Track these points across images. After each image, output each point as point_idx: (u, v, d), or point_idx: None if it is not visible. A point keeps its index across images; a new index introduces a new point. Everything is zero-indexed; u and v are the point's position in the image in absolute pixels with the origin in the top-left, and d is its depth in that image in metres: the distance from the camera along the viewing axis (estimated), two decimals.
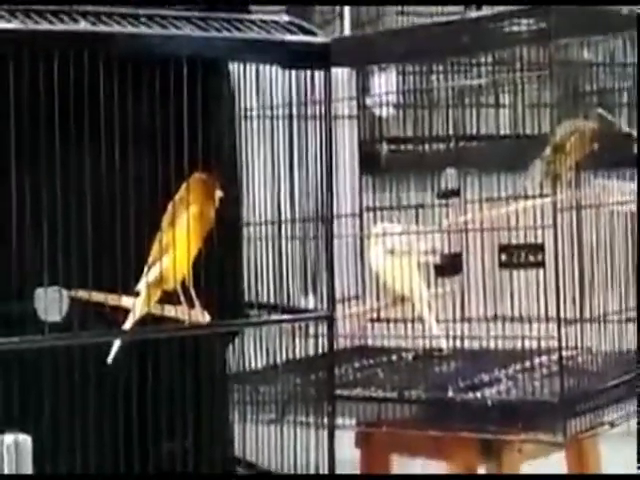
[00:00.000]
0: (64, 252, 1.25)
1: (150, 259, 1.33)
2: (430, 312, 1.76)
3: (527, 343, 1.72)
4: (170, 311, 1.33)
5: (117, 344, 1.30)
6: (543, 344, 1.68)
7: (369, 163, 1.91)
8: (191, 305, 1.32)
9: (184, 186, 1.33)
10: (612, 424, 1.60)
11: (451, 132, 1.80)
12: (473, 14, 1.70)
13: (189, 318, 1.32)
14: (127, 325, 1.30)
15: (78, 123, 1.25)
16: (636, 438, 1.56)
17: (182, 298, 1.34)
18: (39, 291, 1.26)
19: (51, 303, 1.26)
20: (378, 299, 1.86)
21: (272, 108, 1.45)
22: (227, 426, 1.53)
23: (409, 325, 1.81)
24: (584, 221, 1.65)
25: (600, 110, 1.73)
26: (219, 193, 1.34)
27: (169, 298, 1.34)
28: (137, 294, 1.32)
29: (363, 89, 1.89)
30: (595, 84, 1.73)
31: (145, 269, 1.32)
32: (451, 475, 1.65)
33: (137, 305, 1.32)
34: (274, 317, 1.41)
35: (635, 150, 1.74)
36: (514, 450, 1.62)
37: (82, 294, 1.30)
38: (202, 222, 1.32)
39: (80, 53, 1.22)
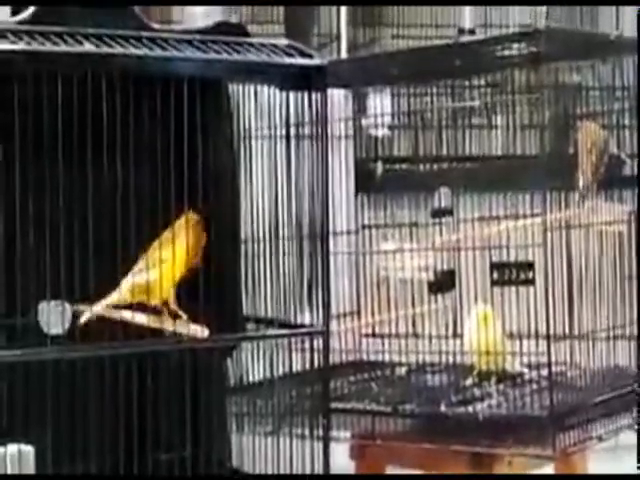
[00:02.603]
0: (67, 266, 1.26)
1: (136, 268, 1.35)
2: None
3: (517, 359, 1.73)
4: (169, 325, 1.34)
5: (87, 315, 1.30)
6: (532, 360, 1.70)
7: (365, 182, 1.91)
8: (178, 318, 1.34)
9: (177, 223, 1.35)
10: (600, 438, 1.61)
11: (444, 152, 1.82)
12: (466, 38, 1.71)
13: (188, 332, 1.33)
14: (85, 317, 1.31)
15: (81, 142, 1.26)
16: (625, 451, 1.57)
17: (180, 312, 1.35)
18: (42, 304, 1.28)
19: (54, 316, 1.27)
20: (373, 315, 1.87)
21: (270, 128, 1.45)
22: (225, 438, 1.53)
23: (403, 340, 1.82)
24: (573, 240, 1.65)
25: (595, 126, 1.74)
26: (203, 239, 1.36)
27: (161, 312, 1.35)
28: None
29: (359, 110, 1.90)
30: (585, 107, 1.74)
31: (129, 275, 1.34)
32: (451, 475, 1.65)
33: (112, 296, 1.33)
34: (271, 332, 1.41)
35: (624, 172, 1.75)
36: (504, 464, 1.61)
37: (85, 308, 1.31)
38: (188, 257, 1.35)
39: (83, 74, 1.23)
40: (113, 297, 1.35)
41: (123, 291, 1.34)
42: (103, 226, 1.31)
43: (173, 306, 1.36)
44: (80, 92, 1.24)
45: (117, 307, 1.35)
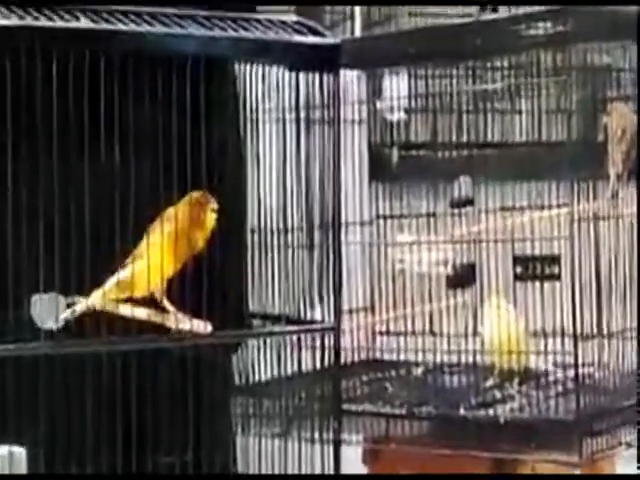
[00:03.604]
0: (62, 258, 1.26)
1: (130, 256, 1.35)
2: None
3: (542, 358, 1.73)
4: (171, 320, 1.34)
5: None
6: (558, 359, 1.70)
7: (379, 170, 1.91)
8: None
9: (179, 203, 1.34)
10: (630, 444, 1.61)
11: (465, 138, 1.81)
12: (489, 16, 1.71)
13: (191, 328, 1.33)
14: (78, 309, 1.31)
15: (77, 125, 1.26)
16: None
17: (168, 306, 1.35)
18: (35, 297, 1.28)
19: (47, 310, 1.27)
20: (387, 311, 1.87)
21: (279, 112, 1.45)
22: (229, 440, 1.54)
23: (419, 338, 1.82)
24: (602, 232, 1.65)
25: (627, 110, 1.74)
26: (213, 216, 1.35)
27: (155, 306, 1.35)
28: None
29: (373, 93, 1.89)
30: (615, 90, 1.74)
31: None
32: (451, 475, 1.65)
33: (94, 296, 1.33)
34: (279, 328, 1.41)
35: None
36: (527, 470, 1.62)
37: (81, 300, 1.32)
38: (181, 243, 1.34)
39: (80, 52, 1.23)
40: (98, 293, 1.34)
41: (114, 284, 1.34)
42: (100, 215, 1.30)
43: (162, 299, 1.35)
44: (76, 72, 1.24)
45: (115, 300, 1.35)
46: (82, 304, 1.32)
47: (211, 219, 1.36)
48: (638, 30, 1.61)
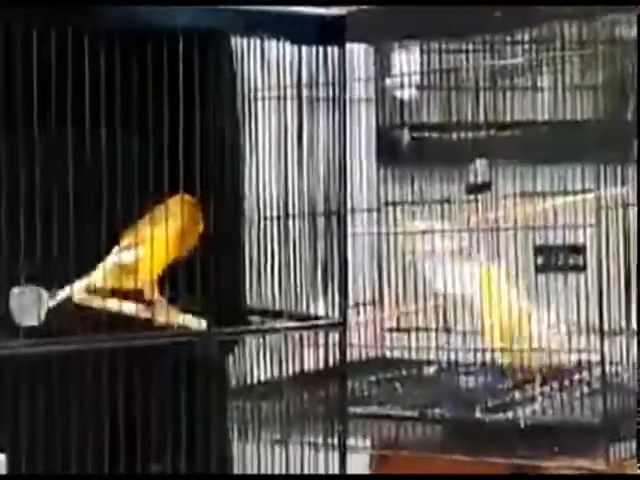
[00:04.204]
0: (44, 248, 1.24)
1: (123, 243, 1.35)
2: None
3: (565, 357, 1.70)
4: (162, 315, 1.32)
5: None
6: (584, 358, 1.68)
7: (388, 152, 1.91)
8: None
9: (170, 200, 1.34)
10: None
11: (482, 118, 1.80)
12: None
13: (184, 324, 1.32)
14: (60, 296, 1.30)
15: (60, 106, 1.24)
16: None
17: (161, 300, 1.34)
18: (14, 291, 1.25)
19: (28, 304, 1.25)
20: (397, 305, 1.86)
21: (279, 89, 1.44)
22: (225, 447, 1.54)
23: (432, 335, 1.81)
24: (631, 220, 1.64)
25: None
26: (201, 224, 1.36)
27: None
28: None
29: (382, 68, 1.89)
30: None
31: (113, 251, 1.34)
32: (451, 475, 1.65)
33: (91, 276, 1.32)
34: (279, 324, 1.41)
35: None
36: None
37: (65, 295, 1.31)
38: (182, 240, 1.35)
39: (62, 29, 1.21)
40: (92, 278, 1.34)
41: (103, 271, 1.33)
42: (86, 203, 1.30)
43: (154, 292, 1.35)
44: (58, 50, 1.23)
45: (100, 293, 1.34)
46: (78, 285, 1.32)
47: (200, 223, 1.37)
48: (638, 30, 1.60)
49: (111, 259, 1.34)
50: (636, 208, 1.65)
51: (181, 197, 1.35)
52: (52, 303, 1.29)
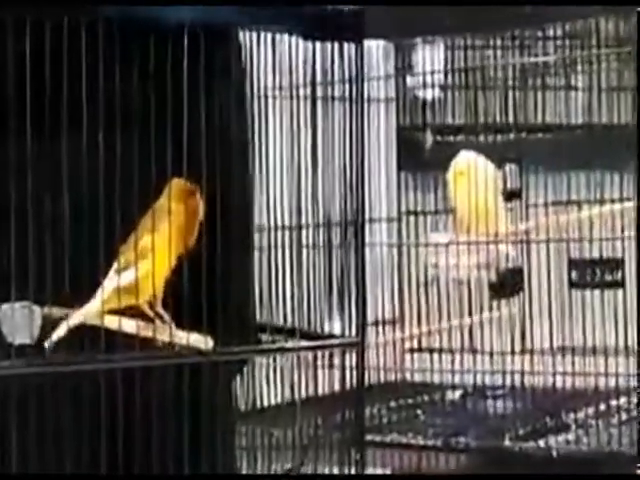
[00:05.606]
0: (37, 260, 1.25)
1: (122, 260, 1.33)
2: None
3: (602, 381, 1.72)
4: (164, 334, 1.33)
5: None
6: (622, 383, 1.69)
7: (409, 156, 1.93)
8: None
9: (165, 192, 1.34)
10: None
11: (511, 120, 1.82)
12: None
13: (188, 343, 1.32)
14: (60, 332, 1.29)
15: (55, 104, 1.26)
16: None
17: (165, 316, 1.34)
18: (5, 307, 1.27)
19: (20, 322, 1.27)
20: (419, 324, 1.86)
21: (292, 88, 1.45)
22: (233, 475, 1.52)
23: (456, 356, 1.82)
24: None
25: None
26: (201, 211, 1.35)
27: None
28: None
29: (403, 66, 1.91)
30: None
31: (112, 270, 1.33)
32: (452, 475, 1.65)
33: (91, 307, 1.31)
34: (291, 343, 1.41)
35: None
36: None
37: (59, 312, 1.30)
38: (183, 236, 1.34)
39: (58, 20, 1.22)
40: (94, 304, 1.33)
41: (107, 294, 1.33)
42: (82, 210, 1.29)
43: (159, 308, 1.35)
44: (54, 43, 1.23)
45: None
46: (74, 319, 1.31)
47: (200, 210, 1.35)
48: (638, 30, 1.61)
49: (109, 284, 1.32)
50: None
51: (177, 185, 1.34)
52: (55, 335, 1.29)
